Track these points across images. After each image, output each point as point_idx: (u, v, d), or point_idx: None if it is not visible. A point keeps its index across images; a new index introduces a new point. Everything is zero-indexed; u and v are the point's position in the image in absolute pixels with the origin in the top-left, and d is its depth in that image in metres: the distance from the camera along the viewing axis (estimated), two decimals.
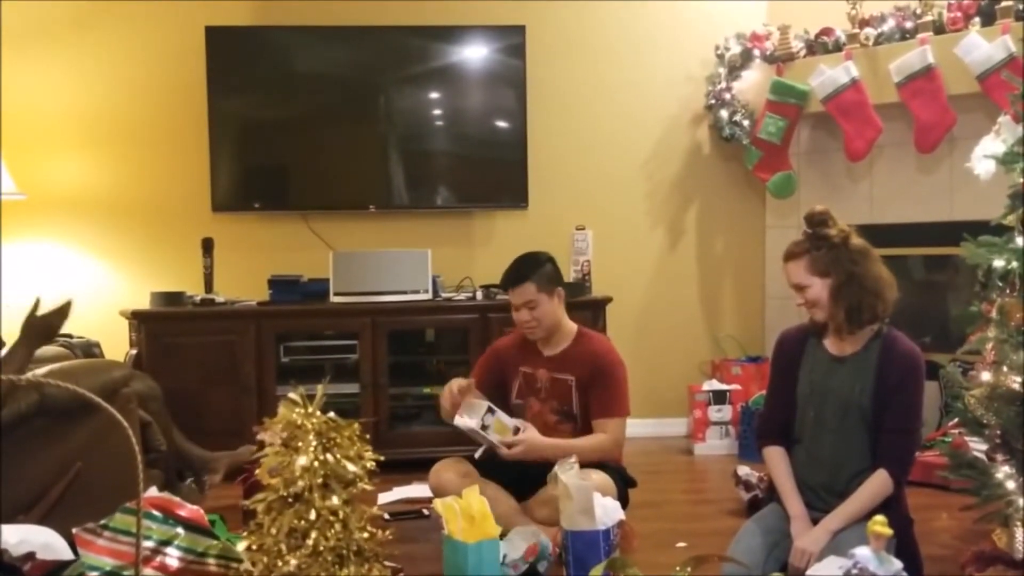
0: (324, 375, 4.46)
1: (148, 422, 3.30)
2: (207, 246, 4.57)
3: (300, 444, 1.55)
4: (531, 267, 3.38)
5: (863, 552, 1.83)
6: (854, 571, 1.84)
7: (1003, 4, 4.04)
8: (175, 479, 3.49)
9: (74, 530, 1.97)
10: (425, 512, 3.59)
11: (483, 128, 4.94)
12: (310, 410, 1.58)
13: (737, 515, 3.55)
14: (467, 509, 2.68)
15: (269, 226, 4.90)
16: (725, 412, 4.74)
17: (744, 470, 3.76)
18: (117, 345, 4.37)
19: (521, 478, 3.30)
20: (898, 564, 1.83)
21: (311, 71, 4.82)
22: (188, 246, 4.65)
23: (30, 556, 2.03)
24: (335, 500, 1.57)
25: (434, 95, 4.93)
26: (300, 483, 1.55)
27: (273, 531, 1.58)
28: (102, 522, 1.98)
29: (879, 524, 1.79)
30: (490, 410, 3.19)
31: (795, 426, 2.86)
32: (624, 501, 3.29)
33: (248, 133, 4.82)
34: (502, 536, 2.80)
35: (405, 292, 4.55)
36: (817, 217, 2.81)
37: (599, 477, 3.17)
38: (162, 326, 4.35)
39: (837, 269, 2.74)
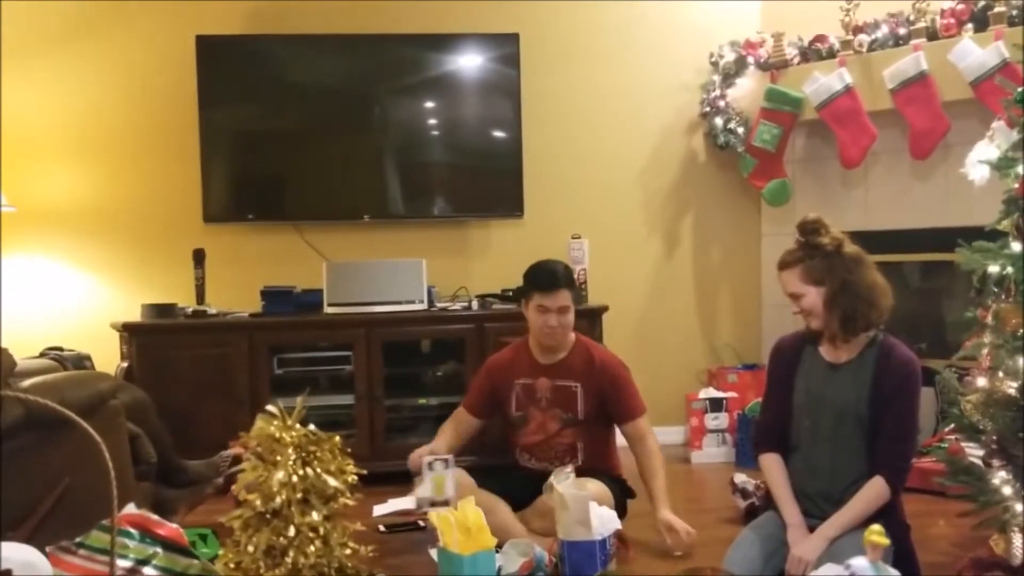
0: (318, 387, 4.48)
1: (137, 434, 3.26)
2: (199, 257, 4.54)
3: (278, 458, 1.50)
4: (569, 275, 3.49)
5: (859, 563, 1.80)
6: None
7: (996, 10, 4.04)
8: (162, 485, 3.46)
9: (48, 548, 1.92)
10: (421, 524, 3.56)
11: (478, 137, 4.92)
12: (288, 423, 1.54)
13: (734, 523, 3.54)
14: (463, 521, 2.65)
15: (261, 237, 4.88)
16: (722, 420, 4.72)
17: (741, 478, 3.75)
18: (108, 358, 4.34)
19: (519, 488, 3.31)
20: (895, 574, 1.80)
21: (303, 80, 4.79)
22: (179, 258, 4.63)
23: (7, 574, 1.99)
24: (315, 516, 1.52)
25: (428, 104, 4.91)
26: (278, 499, 1.50)
27: (250, 549, 1.53)
28: (77, 540, 1.93)
29: (876, 534, 1.77)
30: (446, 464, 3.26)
31: (791, 434, 2.85)
32: (622, 511, 3.29)
33: (240, 143, 4.79)
34: (498, 548, 2.77)
35: (400, 303, 4.53)
36: (810, 225, 2.80)
37: (595, 487, 3.17)
38: (154, 338, 4.32)
39: (831, 277, 2.73)
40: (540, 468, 3.41)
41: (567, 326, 3.44)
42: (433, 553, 2.85)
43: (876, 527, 1.79)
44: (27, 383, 2.76)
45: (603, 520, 2.82)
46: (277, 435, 1.52)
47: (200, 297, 4.54)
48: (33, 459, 2.58)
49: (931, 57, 4.21)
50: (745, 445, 4.47)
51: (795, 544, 2.67)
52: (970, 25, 4.15)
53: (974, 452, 3.00)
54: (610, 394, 3.44)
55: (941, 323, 4.53)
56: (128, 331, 4.31)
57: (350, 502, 1.59)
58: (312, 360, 4.48)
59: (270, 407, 1.56)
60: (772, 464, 2.87)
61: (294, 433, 1.53)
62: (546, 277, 3.44)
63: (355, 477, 1.59)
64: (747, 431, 4.48)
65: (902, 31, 4.40)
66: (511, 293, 4.67)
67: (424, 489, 3.24)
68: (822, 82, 4.54)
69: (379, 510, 3.70)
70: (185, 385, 4.26)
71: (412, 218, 4.95)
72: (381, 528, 3.58)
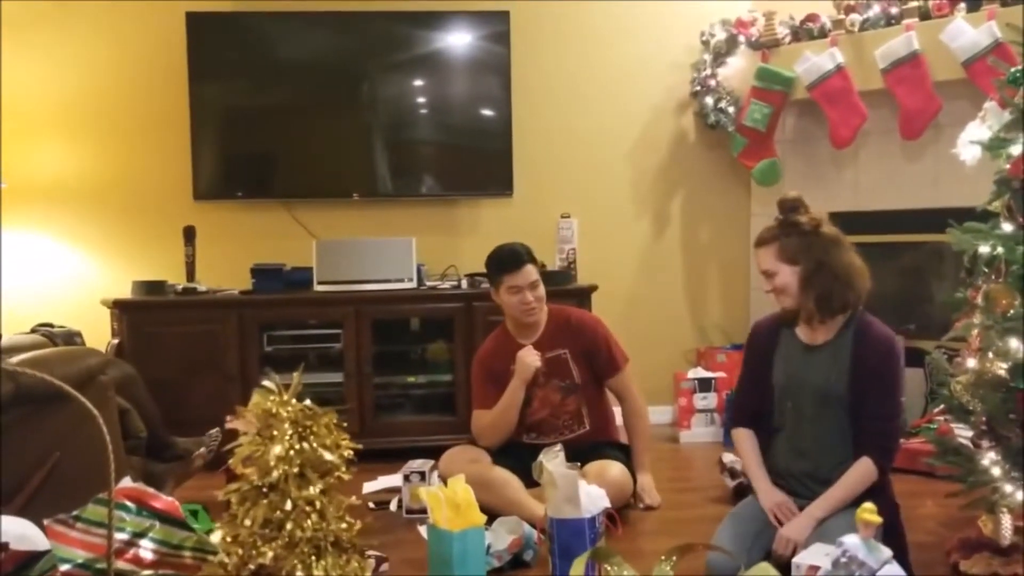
0: (308, 365, 4.47)
1: (126, 409, 3.26)
2: (189, 235, 4.52)
3: (275, 433, 1.51)
4: (528, 251, 3.55)
5: (852, 540, 1.81)
6: (843, 559, 1.82)
7: None
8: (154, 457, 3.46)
9: (45, 521, 1.92)
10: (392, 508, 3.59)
11: (468, 116, 4.89)
12: (285, 398, 1.55)
13: (722, 502, 3.55)
14: (452, 498, 2.65)
15: (251, 214, 4.86)
16: (710, 400, 4.74)
17: (729, 457, 3.76)
18: (99, 334, 4.32)
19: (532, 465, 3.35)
20: (887, 552, 1.82)
21: (293, 58, 4.75)
22: (170, 235, 4.60)
23: (3, 547, 1.98)
24: (311, 490, 1.53)
25: (418, 82, 4.88)
26: (275, 473, 1.51)
27: (247, 522, 1.54)
28: (74, 513, 1.93)
29: (868, 512, 1.78)
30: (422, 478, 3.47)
31: (774, 416, 2.86)
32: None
33: (230, 120, 4.76)
34: (488, 525, 2.78)
35: (389, 281, 4.52)
36: (789, 204, 2.80)
37: (617, 471, 3.28)
38: (144, 315, 4.30)
39: (806, 257, 2.73)
40: (551, 444, 3.42)
41: (542, 298, 3.54)
42: (423, 530, 2.86)
43: (868, 505, 1.80)
44: (16, 359, 2.75)
45: (592, 498, 2.82)
46: (274, 410, 1.52)
47: (190, 274, 4.52)
48: (22, 434, 2.57)
49: (923, 37, 4.20)
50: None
51: (765, 499, 2.74)
52: (963, 5, 4.14)
53: (963, 433, 3.01)
54: (592, 349, 3.56)
55: (930, 304, 4.54)
56: (118, 308, 4.30)
57: (346, 476, 1.60)
58: (302, 338, 4.47)
59: (267, 382, 1.57)
60: (743, 437, 2.95)
61: (291, 408, 1.54)
62: (509, 257, 3.52)
63: (351, 452, 1.61)
64: None
65: (894, 10, 4.39)
66: None
67: (405, 497, 3.49)
68: (813, 61, 4.53)
69: (369, 487, 3.72)
70: (175, 362, 4.25)
71: (401, 196, 4.93)
72: (371, 505, 3.59)
